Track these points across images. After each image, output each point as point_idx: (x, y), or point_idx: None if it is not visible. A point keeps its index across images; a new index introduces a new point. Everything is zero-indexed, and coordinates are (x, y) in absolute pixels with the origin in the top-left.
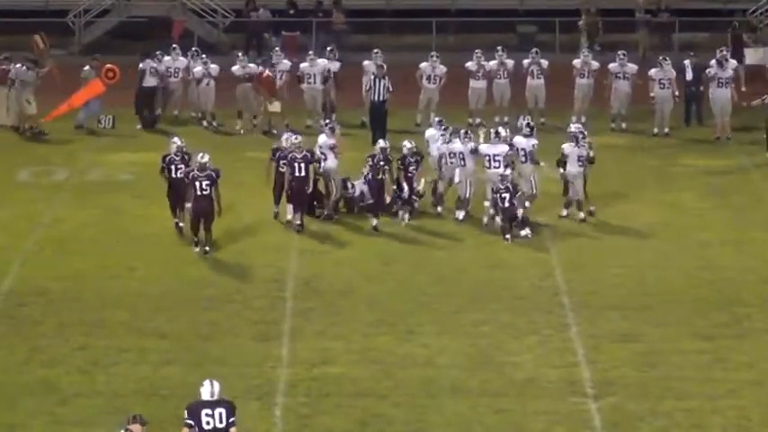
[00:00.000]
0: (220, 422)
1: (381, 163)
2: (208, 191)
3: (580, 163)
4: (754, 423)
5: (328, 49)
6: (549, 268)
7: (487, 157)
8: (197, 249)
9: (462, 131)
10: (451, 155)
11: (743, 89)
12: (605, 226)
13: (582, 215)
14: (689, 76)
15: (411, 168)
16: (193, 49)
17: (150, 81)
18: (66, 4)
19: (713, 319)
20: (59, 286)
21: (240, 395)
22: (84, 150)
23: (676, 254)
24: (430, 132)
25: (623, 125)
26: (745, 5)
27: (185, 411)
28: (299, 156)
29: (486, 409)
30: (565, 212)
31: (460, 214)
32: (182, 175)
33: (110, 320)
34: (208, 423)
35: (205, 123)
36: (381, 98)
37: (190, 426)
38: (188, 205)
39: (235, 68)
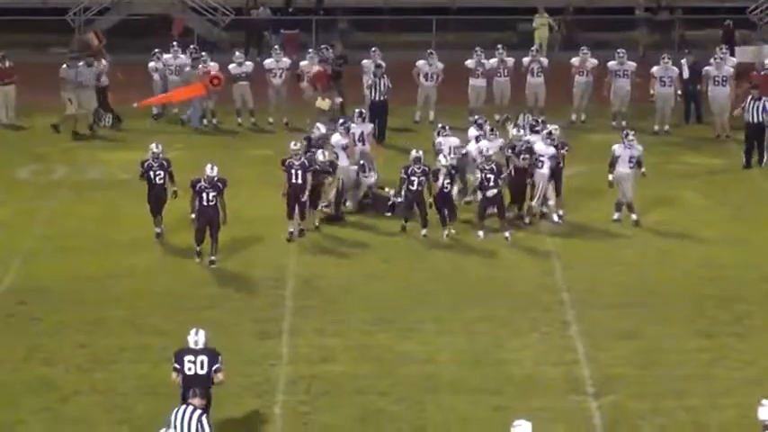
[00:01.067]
0: (201, 369)
1: (418, 172)
2: (214, 201)
3: (631, 164)
4: (754, 421)
5: (322, 47)
6: (550, 266)
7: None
8: (198, 260)
9: (488, 128)
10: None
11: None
12: (605, 223)
13: (635, 217)
14: (685, 74)
15: (446, 183)
16: (192, 47)
17: (104, 81)
18: (67, 2)
19: (714, 316)
20: (59, 284)
21: (240, 393)
22: (83, 149)
23: (677, 251)
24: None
25: (623, 123)
26: (745, 3)
27: (174, 356)
28: (296, 162)
29: (485, 407)
30: (616, 215)
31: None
32: (161, 182)
33: (109, 318)
34: (189, 369)
35: (205, 122)
36: (381, 97)
37: (177, 370)
38: (192, 216)
39: (231, 66)
